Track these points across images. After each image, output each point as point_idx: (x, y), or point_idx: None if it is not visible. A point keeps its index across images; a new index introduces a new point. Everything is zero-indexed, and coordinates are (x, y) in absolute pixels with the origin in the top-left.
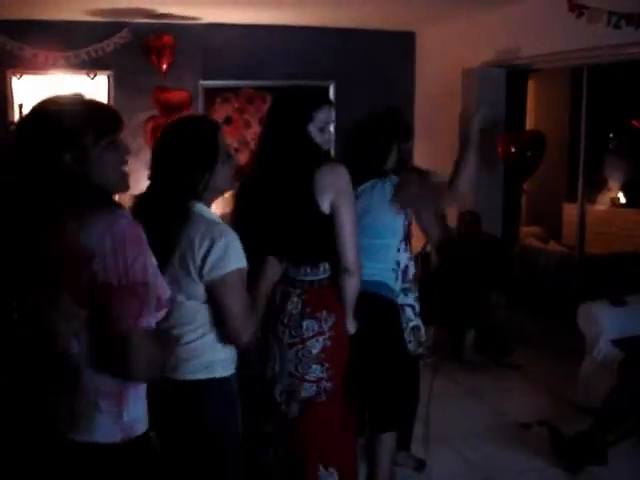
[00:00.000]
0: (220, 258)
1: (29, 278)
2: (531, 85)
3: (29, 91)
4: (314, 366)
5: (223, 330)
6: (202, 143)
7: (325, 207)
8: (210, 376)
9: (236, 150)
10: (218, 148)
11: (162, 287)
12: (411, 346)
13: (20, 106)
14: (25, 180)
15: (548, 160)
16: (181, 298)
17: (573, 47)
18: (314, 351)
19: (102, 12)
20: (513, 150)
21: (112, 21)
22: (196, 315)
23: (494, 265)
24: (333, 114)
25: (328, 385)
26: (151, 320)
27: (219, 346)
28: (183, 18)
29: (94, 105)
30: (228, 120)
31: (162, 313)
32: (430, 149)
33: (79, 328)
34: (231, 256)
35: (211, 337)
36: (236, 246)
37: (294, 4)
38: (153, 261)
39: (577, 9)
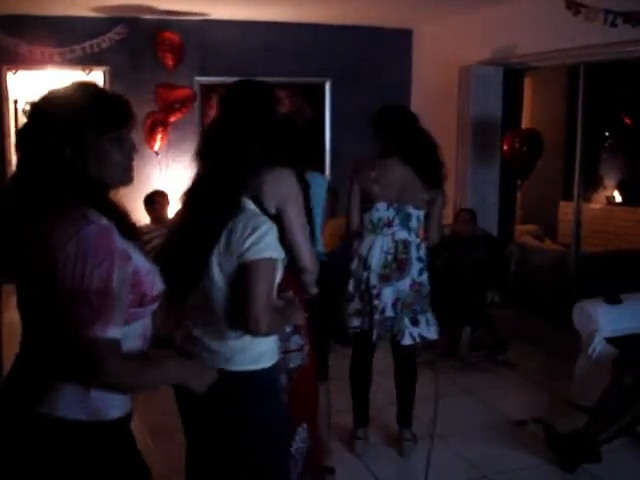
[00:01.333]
0: (256, 243)
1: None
2: (527, 83)
3: (24, 87)
4: (293, 337)
5: (240, 316)
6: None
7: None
8: (261, 366)
9: None
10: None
11: (149, 283)
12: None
13: (15, 102)
14: (24, 170)
15: (544, 158)
16: (224, 285)
17: (570, 45)
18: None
19: (101, 8)
20: (517, 147)
21: (108, 17)
22: None
23: (490, 263)
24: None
25: (307, 348)
26: (111, 329)
27: (263, 338)
28: (180, 14)
29: (101, 98)
30: None
31: (153, 307)
32: None
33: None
34: (268, 244)
35: None
36: (273, 237)
37: (291, 1)
38: (135, 260)
39: (574, 7)
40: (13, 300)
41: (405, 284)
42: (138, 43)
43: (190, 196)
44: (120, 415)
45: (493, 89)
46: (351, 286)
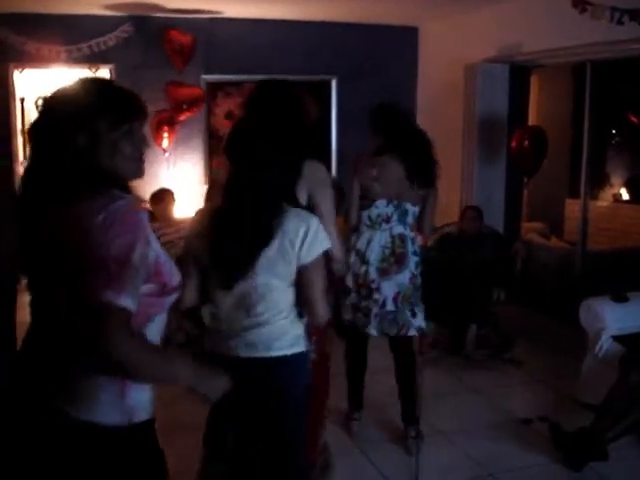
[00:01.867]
0: (312, 242)
1: (39, 262)
2: (534, 81)
3: (31, 85)
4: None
5: (307, 307)
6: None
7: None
8: (297, 350)
9: None
10: None
11: (168, 274)
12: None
13: (22, 100)
14: (39, 160)
15: (550, 156)
16: (276, 282)
17: (576, 43)
18: None
19: (111, 6)
20: (526, 144)
21: (114, 15)
22: (285, 296)
23: (496, 261)
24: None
25: (313, 356)
26: (123, 298)
27: (299, 324)
28: (188, 12)
29: (115, 91)
30: (230, 115)
31: (172, 298)
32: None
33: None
34: (320, 239)
35: (293, 316)
36: (322, 229)
37: None
38: (155, 248)
39: (580, 5)
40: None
41: (405, 277)
42: (144, 41)
43: (232, 194)
44: (148, 417)
45: (499, 87)
46: (349, 280)
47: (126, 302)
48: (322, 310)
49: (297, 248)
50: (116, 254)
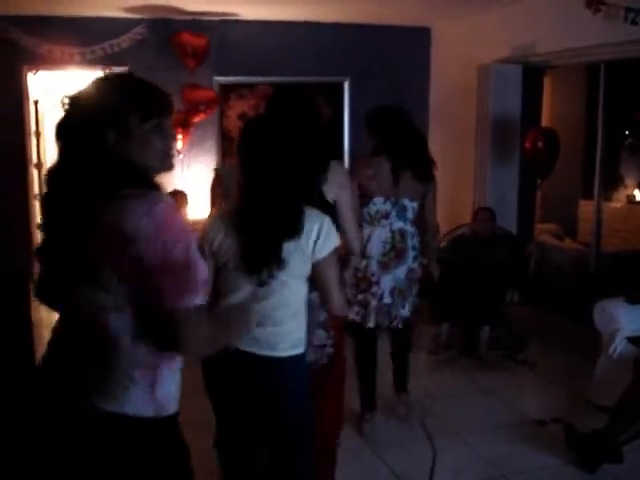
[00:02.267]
0: (325, 240)
1: (69, 257)
2: (547, 82)
3: (45, 87)
4: (318, 331)
5: (324, 297)
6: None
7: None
8: (298, 352)
9: None
10: None
11: (203, 268)
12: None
13: (35, 102)
14: (67, 158)
15: (563, 157)
16: (292, 281)
17: (589, 43)
18: (321, 317)
19: (127, 8)
20: (540, 145)
21: (128, 17)
22: (298, 295)
23: (509, 262)
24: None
25: (330, 351)
26: (194, 299)
27: (304, 325)
28: (201, 14)
29: (144, 86)
30: (243, 117)
31: (203, 290)
32: (444, 146)
33: (120, 303)
34: (332, 236)
35: (301, 316)
36: (332, 227)
37: (309, 0)
38: (194, 243)
39: (594, 5)
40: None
41: (402, 272)
42: (158, 43)
43: (249, 196)
44: (176, 409)
45: (512, 87)
46: (347, 275)
47: (196, 301)
48: (338, 299)
49: (312, 245)
50: (179, 260)
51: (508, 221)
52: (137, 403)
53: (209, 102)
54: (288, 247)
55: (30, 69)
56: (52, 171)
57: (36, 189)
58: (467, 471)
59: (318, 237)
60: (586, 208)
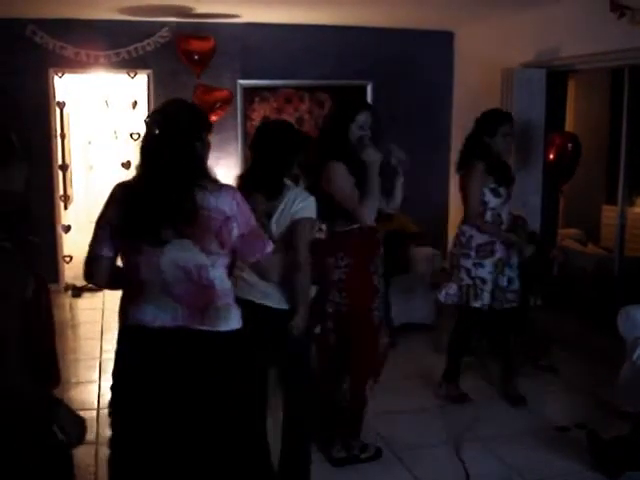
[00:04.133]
0: (303, 208)
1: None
2: (571, 86)
3: (70, 89)
4: (334, 291)
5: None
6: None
7: None
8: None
9: None
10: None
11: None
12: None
13: (61, 104)
14: (167, 159)
15: (586, 162)
16: (277, 245)
17: (614, 48)
18: (334, 277)
19: (138, 10)
20: (568, 150)
21: (152, 20)
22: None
23: (533, 267)
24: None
25: (344, 309)
26: (271, 245)
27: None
28: (220, 16)
29: (200, 109)
30: (265, 120)
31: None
32: None
33: (215, 261)
34: (310, 208)
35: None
36: (313, 203)
37: (331, 4)
38: None
39: (619, 9)
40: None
41: None
42: (180, 49)
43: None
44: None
45: (536, 91)
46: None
47: (271, 246)
48: (304, 263)
49: (294, 208)
50: (256, 226)
51: (531, 226)
52: (236, 320)
53: (224, 100)
54: (275, 215)
55: (56, 72)
56: (147, 170)
57: (61, 190)
58: (489, 477)
59: (299, 203)
60: (609, 213)
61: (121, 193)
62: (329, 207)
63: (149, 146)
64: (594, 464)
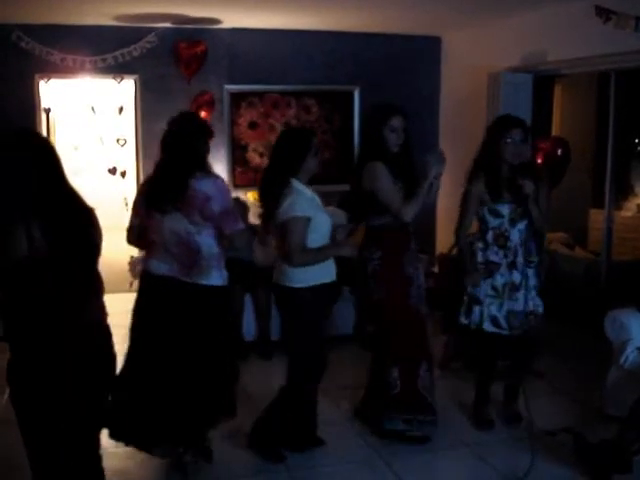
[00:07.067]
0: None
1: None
2: (557, 90)
3: (56, 95)
4: (369, 280)
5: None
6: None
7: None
8: (297, 285)
9: (261, 154)
10: (311, 146)
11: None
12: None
13: (47, 110)
14: (175, 154)
15: (574, 166)
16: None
17: (600, 52)
18: (368, 269)
19: (128, 17)
20: (560, 153)
21: (139, 26)
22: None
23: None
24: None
25: (379, 299)
26: (241, 224)
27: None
28: (206, 22)
29: (205, 121)
30: (253, 125)
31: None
32: (455, 154)
33: (200, 230)
34: (295, 207)
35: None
36: (301, 202)
37: (318, 9)
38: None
39: (604, 14)
40: None
41: None
42: (169, 52)
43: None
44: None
45: (523, 96)
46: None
47: (243, 225)
48: (292, 255)
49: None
50: (231, 207)
51: None
52: (216, 277)
53: (207, 104)
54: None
55: (42, 77)
56: (161, 164)
57: None
58: None
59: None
60: (596, 217)
61: (146, 177)
62: (364, 204)
63: (165, 141)
64: (581, 468)
